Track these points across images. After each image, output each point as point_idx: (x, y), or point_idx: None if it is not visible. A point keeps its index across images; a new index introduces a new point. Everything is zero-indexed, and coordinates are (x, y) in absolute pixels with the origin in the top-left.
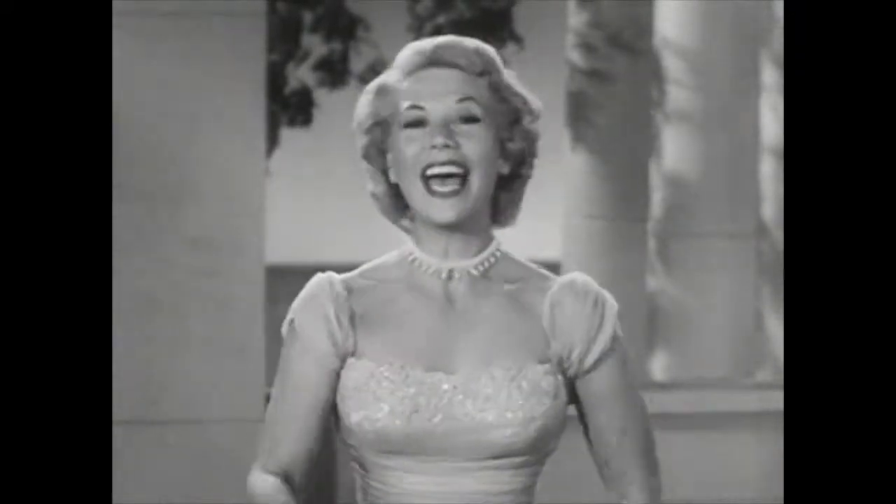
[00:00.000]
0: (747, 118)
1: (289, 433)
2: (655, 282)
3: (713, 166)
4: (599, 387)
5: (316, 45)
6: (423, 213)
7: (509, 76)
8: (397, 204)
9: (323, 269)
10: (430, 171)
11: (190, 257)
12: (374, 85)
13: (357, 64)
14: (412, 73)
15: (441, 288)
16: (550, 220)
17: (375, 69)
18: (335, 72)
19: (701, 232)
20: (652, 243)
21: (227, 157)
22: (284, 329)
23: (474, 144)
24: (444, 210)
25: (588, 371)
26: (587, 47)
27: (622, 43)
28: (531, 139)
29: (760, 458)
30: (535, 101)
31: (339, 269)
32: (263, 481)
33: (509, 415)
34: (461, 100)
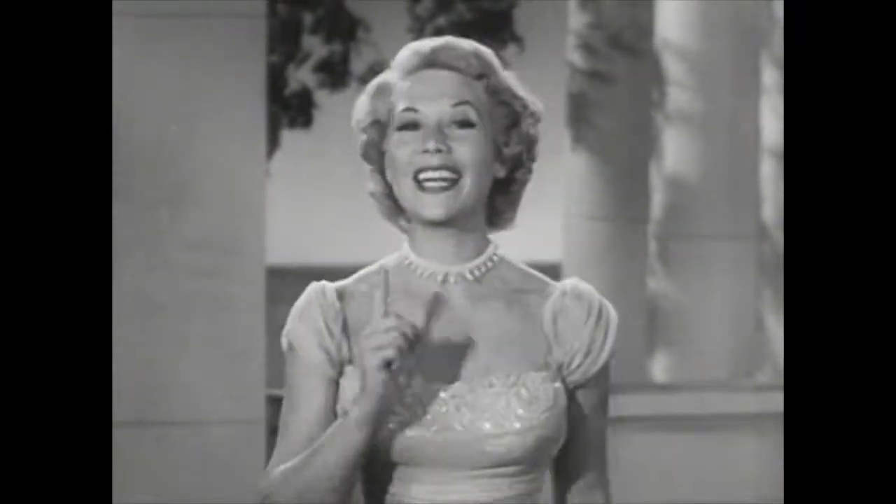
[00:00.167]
0: (748, 119)
1: (300, 443)
2: (655, 283)
3: (713, 167)
4: (590, 399)
5: (316, 47)
6: (414, 212)
7: (509, 78)
8: (395, 204)
9: (323, 269)
10: (421, 176)
11: (190, 258)
12: (372, 85)
13: (357, 65)
14: (410, 73)
15: (437, 294)
16: (551, 221)
17: (375, 70)
18: (335, 73)
19: (701, 233)
20: (652, 244)
21: (227, 158)
22: (284, 342)
23: (467, 149)
24: (434, 207)
25: (585, 385)
26: (588, 48)
27: (623, 44)
28: (530, 142)
29: (760, 460)
30: (535, 104)
31: (340, 269)
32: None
33: (508, 425)
34: (456, 104)
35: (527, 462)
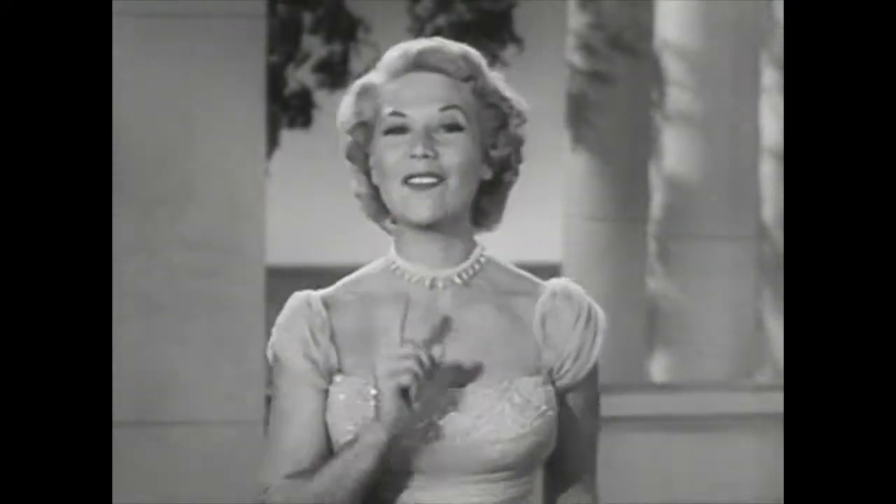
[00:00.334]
0: (747, 120)
1: (290, 454)
2: (655, 283)
3: (713, 168)
4: (579, 403)
5: (316, 47)
6: (401, 214)
7: (496, 79)
8: (380, 205)
9: (323, 269)
10: (410, 181)
11: (190, 258)
12: (357, 85)
13: (357, 65)
14: (396, 75)
15: (425, 298)
16: (550, 221)
17: None
18: (335, 73)
19: (701, 233)
20: (652, 245)
21: (227, 159)
22: (269, 353)
23: (455, 154)
24: (422, 209)
25: (575, 387)
26: (587, 49)
27: (622, 44)
28: (517, 144)
29: (760, 460)
30: (521, 104)
31: (339, 269)
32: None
33: (502, 432)
34: (444, 108)
35: (519, 467)
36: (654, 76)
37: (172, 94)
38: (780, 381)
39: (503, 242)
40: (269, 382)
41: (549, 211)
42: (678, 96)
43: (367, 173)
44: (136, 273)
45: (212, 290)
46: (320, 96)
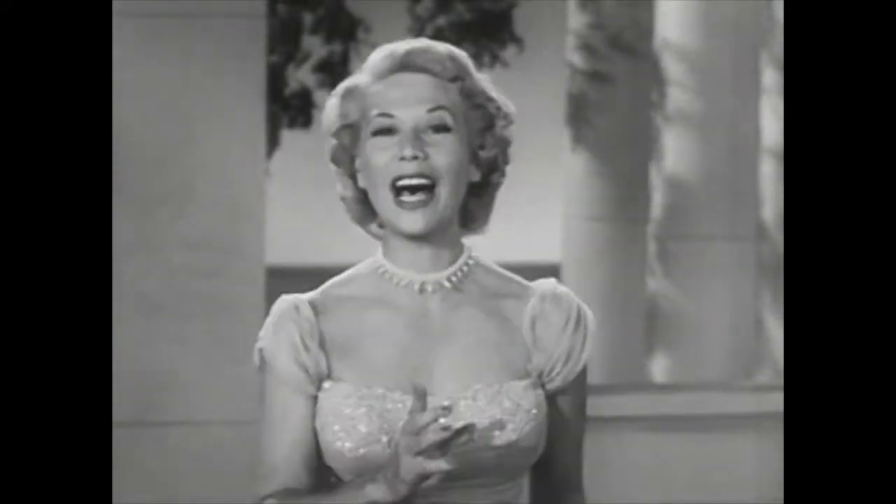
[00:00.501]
0: (747, 120)
1: (282, 461)
2: (655, 283)
3: (713, 168)
4: (566, 405)
5: (316, 47)
6: (391, 224)
7: (482, 80)
8: (366, 209)
9: (323, 269)
10: (399, 184)
11: (190, 258)
12: (342, 87)
13: (357, 65)
14: (382, 77)
15: (414, 302)
16: (550, 221)
17: None
18: (335, 73)
19: (701, 234)
20: (652, 245)
21: (227, 159)
22: (256, 357)
23: (444, 155)
24: (413, 222)
25: (564, 391)
26: (587, 49)
27: (622, 45)
28: (504, 145)
29: (760, 460)
30: (508, 105)
31: (339, 269)
32: None
33: (492, 436)
34: (432, 109)
35: (509, 471)
36: (654, 76)
37: (172, 94)
38: (780, 381)
39: (503, 243)
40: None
41: (548, 211)
42: (678, 96)
43: (353, 176)
44: (136, 273)
45: (212, 290)
46: (320, 96)
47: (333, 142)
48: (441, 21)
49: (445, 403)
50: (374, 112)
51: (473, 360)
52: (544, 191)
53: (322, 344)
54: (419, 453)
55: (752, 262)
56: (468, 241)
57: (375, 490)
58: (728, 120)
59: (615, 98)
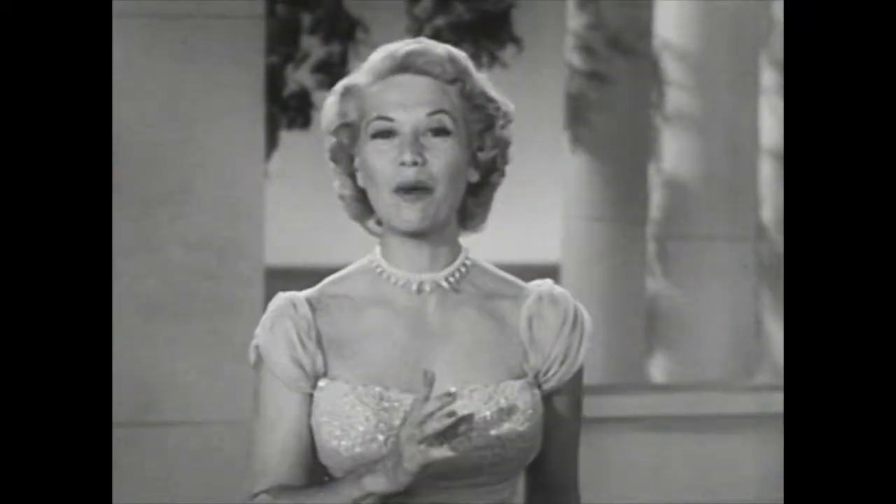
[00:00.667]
0: (746, 120)
1: (275, 459)
2: (654, 284)
3: (713, 168)
4: (562, 405)
5: (315, 48)
6: (389, 221)
7: (481, 81)
8: (365, 207)
9: (322, 269)
10: (400, 188)
11: (189, 259)
12: (340, 86)
13: (356, 66)
14: (382, 77)
15: (411, 302)
16: (549, 221)
17: None
18: (334, 74)
19: (700, 234)
20: (651, 245)
21: (226, 159)
22: (251, 354)
23: (443, 160)
24: (411, 219)
25: (560, 391)
26: (586, 49)
27: (621, 45)
28: (503, 145)
29: (760, 461)
30: (507, 105)
31: (339, 269)
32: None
33: (488, 437)
34: (432, 112)
35: (504, 471)
36: (654, 77)
37: (172, 95)
38: (780, 381)
39: (502, 243)
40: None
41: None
42: (677, 97)
43: (352, 175)
44: (136, 273)
45: (211, 291)
46: (319, 97)
47: (332, 140)
48: (440, 21)
49: (452, 390)
50: (374, 114)
51: (470, 359)
52: (544, 191)
53: (319, 342)
54: (422, 441)
55: (752, 262)
56: (467, 240)
57: (373, 482)
58: (727, 120)
59: (614, 98)
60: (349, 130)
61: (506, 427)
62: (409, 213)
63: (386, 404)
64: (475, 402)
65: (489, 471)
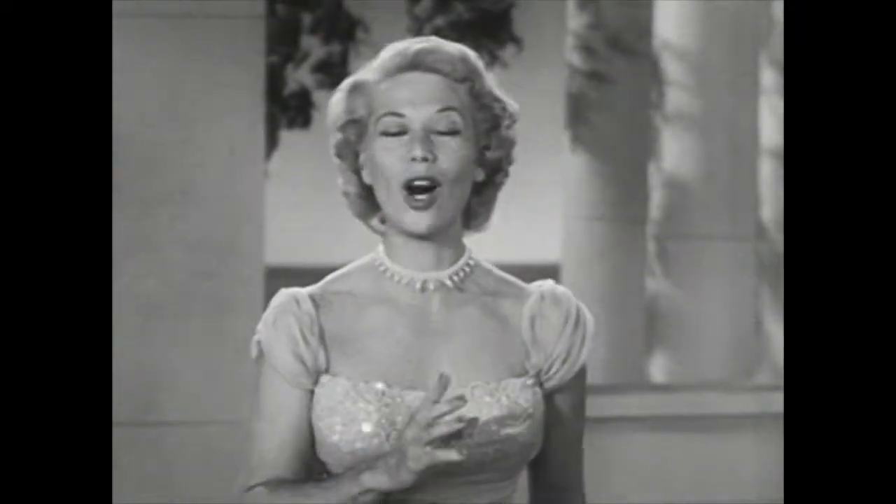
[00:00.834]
0: (746, 120)
1: (272, 454)
2: (654, 283)
3: (712, 168)
4: (566, 405)
5: (315, 47)
6: (396, 222)
7: (490, 81)
8: (369, 204)
9: (322, 269)
10: (410, 186)
11: (189, 259)
12: (348, 82)
13: (356, 66)
14: (391, 75)
15: (414, 300)
16: (549, 221)
17: None
18: (334, 73)
19: (700, 234)
20: (651, 245)
21: (226, 159)
22: (253, 349)
23: (452, 158)
24: (418, 221)
25: (561, 389)
26: (587, 49)
27: (622, 45)
28: (509, 146)
29: (760, 461)
30: (512, 105)
31: (339, 269)
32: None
33: (489, 434)
34: (442, 110)
35: (504, 469)
36: (654, 76)
37: (172, 94)
38: (780, 381)
39: (503, 242)
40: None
41: (548, 211)
42: (677, 96)
43: (357, 172)
44: (136, 273)
45: (211, 291)
46: (319, 97)
47: (339, 136)
48: (440, 21)
49: (462, 392)
50: (383, 111)
51: (472, 358)
52: (544, 191)
53: (322, 338)
54: (429, 444)
55: (752, 261)
56: (468, 240)
57: (373, 478)
58: (727, 120)
59: (614, 98)
60: (357, 127)
61: (507, 425)
62: (418, 217)
63: (388, 401)
64: (477, 399)
65: (491, 468)
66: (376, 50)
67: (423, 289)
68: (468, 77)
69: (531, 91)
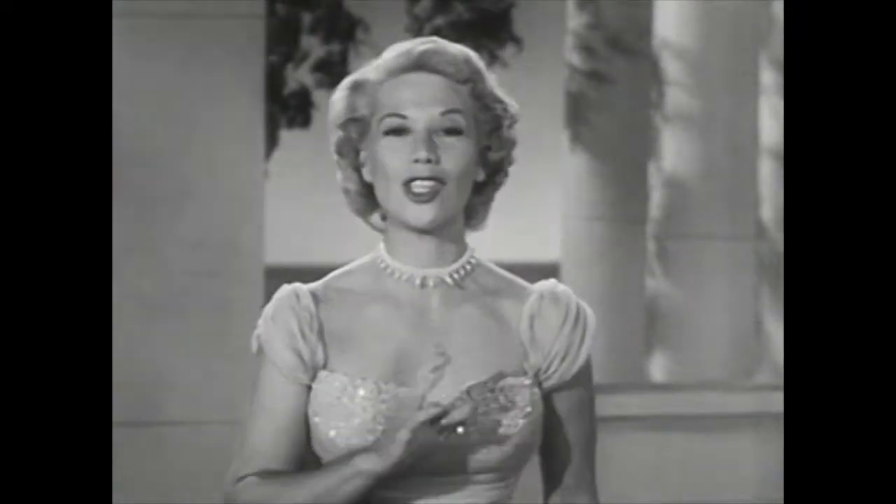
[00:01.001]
0: (746, 120)
1: (266, 446)
2: (654, 283)
3: (712, 168)
4: (568, 403)
5: (315, 47)
6: (398, 217)
7: (491, 82)
8: (369, 201)
9: (322, 269)
10: (412, 185)
11: (189, 259)
12: (350, 80)
13: (356, 65)
14: (394, 75)
15: (414, 297)
16: (549, 221)
17: None
18: (334, 73)
19: (700, 233)
20: (651, 245)
21: (226, 159)
22: (253, 343)
23: (455, 159)
24: (420, 215)
25: (562, 388)
26: (586, 49)
27: (621, 44)
28: (510, 146)
29: (760, 461)
30: (513, 106)
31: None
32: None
33: (487, 432)
34: (445, 111)
35: (503, 469)
36: (653, 76)
37: (172, 95)
38: (780, 380)
39: (503, 242)
40: None
41: (547, 211)
42: (677, 96)
43: (357, 169)
44: (136, 273)
45: (211, 290)
46: (319, 96)
47: (340, 133)
48: (440, 21)
49: (458, 391)
50: (386, 111)
51: (470, 356)
52: (543, 191)
53: (321, 334)
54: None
55: (752, 261)
56: (468, 239)
57: (364, 460)
58: (727, 119)
59: (614, 98)
60: (358, 125)
61: (504, 424)
62: (420, 213)
63: (385, 397)
64: (474, 399)
65: (487, 468)
66: (376, 50)
67: (423, 285)
68: (471, 78)
69: (531, 91)
